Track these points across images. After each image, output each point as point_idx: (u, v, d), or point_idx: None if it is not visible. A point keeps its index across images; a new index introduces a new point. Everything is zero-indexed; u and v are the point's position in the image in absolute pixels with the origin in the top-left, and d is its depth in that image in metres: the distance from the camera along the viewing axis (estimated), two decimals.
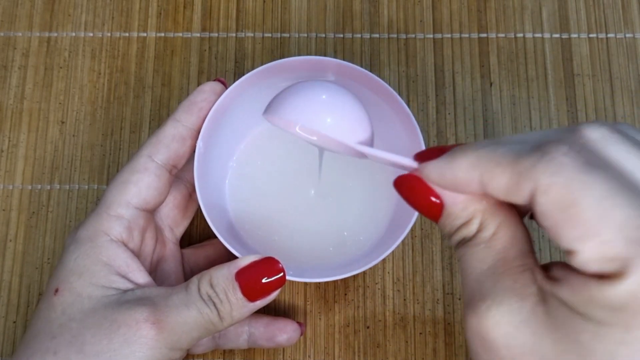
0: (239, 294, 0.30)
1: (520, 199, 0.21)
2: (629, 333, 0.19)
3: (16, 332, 0.38)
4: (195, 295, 0.29)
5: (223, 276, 0.30)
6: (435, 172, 0.24)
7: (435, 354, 0.38)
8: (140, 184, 0.32)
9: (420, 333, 0.38)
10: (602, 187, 0.20)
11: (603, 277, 0.19)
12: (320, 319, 0.38)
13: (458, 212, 0.24)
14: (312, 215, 0.38)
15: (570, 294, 0.20)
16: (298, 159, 0.39)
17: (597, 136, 0.21)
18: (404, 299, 0.39)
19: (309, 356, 0.38)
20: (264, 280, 0.30)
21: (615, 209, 0.19)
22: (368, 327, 0.38)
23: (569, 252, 0.20)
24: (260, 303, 0.30)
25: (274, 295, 0.30)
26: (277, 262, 0.30)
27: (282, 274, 0.30)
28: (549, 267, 0.22)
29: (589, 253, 0.20)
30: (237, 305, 0.30)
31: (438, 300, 0.38)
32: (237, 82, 0.34)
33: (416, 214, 0.33)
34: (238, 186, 0.39)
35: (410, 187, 0.25)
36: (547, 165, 0.20)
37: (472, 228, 0.24)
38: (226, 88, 0.35)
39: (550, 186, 0.20)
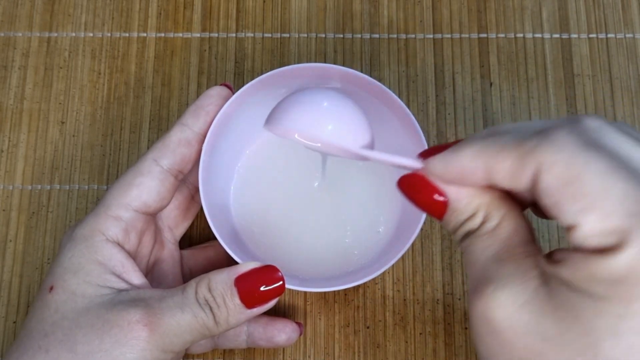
0: (237, 300, 0.30)
1: (524, 181, 0.22)
2: (629, 306, 0.19)
3: (16, 332, 0.38)
4: (192, 298, 0.29)
5: (222, 281, 0.30)
6: (441, 164, 0.25)
7: (435, 354, 0.38)
8: (142, 187, 0.32)
9: (420, 333, 0.38)
10: (603, 163, 0.20)
11: (602, 252, 0.20)
12: (320, 319, 0.38)
13: (462, 207, 0.25)
14: (317, 221, 0.38)
15: (571, 272, 0.20)
16: (303, 165, 0.39)
17: (596, 125, 0.22)
18: (404, 299, 0.38)
19: (309, 356, 0.38)
20: (262, 288, 0.30)
21: (617, 183, 0.20)
22: (368, 327, 0.38)
23: (570, 228, 0.21)
24: (257, 310, 0.30)
25: (271, 303, 0.30)
26: (277, 270, 0.30)
27: (281, 282, 0.30)
28: (551, 254, 0.22)
29: (590, 225, 0.20)
30: (234, 311, 0.30)
31: (438, 300, 0.38)
32: (243, 88, 0.34)
33: (423, 218, 0.33)
34: (243, 191, 0.38)
35: (414, 186, 0.26)
36: (549, 145, 0.21)
37: (477, 221, 0.24)
38: (232, 92, 0.34)
39: (553, 163, 0.21)
